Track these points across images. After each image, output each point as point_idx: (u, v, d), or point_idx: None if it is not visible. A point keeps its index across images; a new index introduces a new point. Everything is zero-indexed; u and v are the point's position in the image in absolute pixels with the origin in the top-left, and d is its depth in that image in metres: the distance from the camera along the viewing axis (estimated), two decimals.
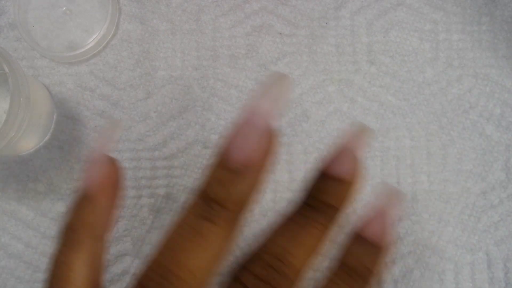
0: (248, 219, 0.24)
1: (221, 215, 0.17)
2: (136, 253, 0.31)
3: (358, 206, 0.21)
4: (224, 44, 0.32)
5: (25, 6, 0.32)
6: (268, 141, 0.17)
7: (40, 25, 0.32)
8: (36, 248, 0.31)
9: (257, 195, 0.17)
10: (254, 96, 0.17)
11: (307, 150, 0.31)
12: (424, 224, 0.31)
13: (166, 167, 0.31)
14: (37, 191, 0.31)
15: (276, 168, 0.31)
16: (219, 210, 0.17)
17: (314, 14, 0.32)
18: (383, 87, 0.32)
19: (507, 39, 0.32)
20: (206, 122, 0.32)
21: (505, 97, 0.32)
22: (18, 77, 0.25)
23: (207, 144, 0.31)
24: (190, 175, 0.31)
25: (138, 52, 0.32)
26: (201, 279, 0.17)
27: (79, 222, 0.18)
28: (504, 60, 0.32)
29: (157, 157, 0.31)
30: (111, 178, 0.19)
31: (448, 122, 0.32)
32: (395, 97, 0.32)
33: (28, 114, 0.26)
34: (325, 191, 0.18)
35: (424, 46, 0.32)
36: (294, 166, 0.32)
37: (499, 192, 0.31)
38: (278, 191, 0.31)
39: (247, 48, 0.32)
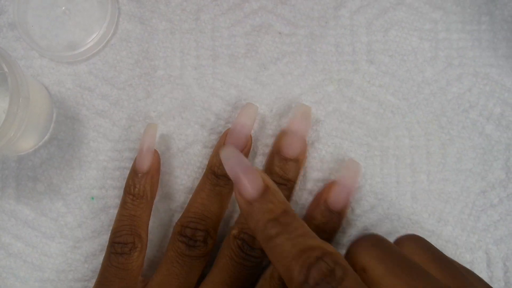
0: None
1: (226, 183, 0.28)
2: None
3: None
4: (223, 43, 0.32)
5: (24, 6, 0.32)
6: (248, 141, 0.29)
7: (39, 24, 0.32)
8: (36, 248, 0.31)
9: None
10: (239, 114, 0.29)
11: None
12: (423, 223, 0.31)
13: (165, 166, 0.31)
14: (36, 190, 0.31)
15: None
16: (225, 181, 0.28)
17: (313, 14, 0.32)
18: (382, 86, 0.32)
19: (507, 39, 0.32)
20: (205, 121, 0.32)
21: (505, 96, 0.32)
22: (17, 77, 0.25)
23: (207, 144, 0.31)
24: (190, 175, 0.31)
25: (137, 51, 0.32)
26: (218, 218, 0.28)
27: (143, 190, 0.28)
28: (504, 59, 0.32)
29: None
30: (157, 161, 0.29)
31: (448, 121, 0.32)
32: (395, 96, 0.32)
33: (27, 114, 0.26)
34: (286, 169, 0.28)
35: (423, 45, 0.32)
36: None
37: (499, 191, 0.31)
38: None
39: (246, 47, 0.32)
